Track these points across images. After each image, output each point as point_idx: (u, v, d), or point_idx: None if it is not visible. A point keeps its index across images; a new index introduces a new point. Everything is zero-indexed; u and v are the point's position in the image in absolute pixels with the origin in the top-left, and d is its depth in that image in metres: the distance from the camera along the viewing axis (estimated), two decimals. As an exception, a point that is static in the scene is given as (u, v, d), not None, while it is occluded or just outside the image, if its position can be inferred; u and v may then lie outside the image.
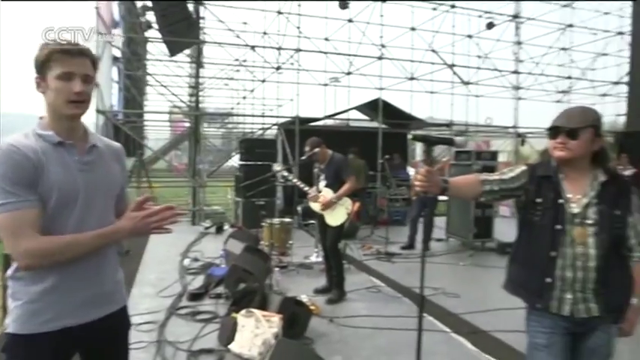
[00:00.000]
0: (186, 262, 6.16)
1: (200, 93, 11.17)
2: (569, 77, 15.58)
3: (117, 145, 1.76)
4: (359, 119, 13.16)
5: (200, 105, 11.00)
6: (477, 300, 4.66)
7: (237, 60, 13.62)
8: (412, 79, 13.67)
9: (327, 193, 4.85)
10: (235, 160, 12.16)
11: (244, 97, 17.79)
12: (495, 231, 7.45)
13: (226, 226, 8.61)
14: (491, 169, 7.53)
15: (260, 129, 12.40)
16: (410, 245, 7.26)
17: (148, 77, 15.38)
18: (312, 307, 4.17)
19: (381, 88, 12.39)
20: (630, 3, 13.45)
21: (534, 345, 1.91)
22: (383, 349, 3.59)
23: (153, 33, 13.36)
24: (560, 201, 1.83)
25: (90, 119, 8.72)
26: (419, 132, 2.13)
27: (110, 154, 1.68)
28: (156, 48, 15.54)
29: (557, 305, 1.82)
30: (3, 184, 1.36)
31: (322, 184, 4.95)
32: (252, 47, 12.28)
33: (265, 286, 4.31)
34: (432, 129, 12.95)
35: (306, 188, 5.09)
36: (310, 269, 5.94)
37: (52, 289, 1.46)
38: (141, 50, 15.25)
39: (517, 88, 14.51)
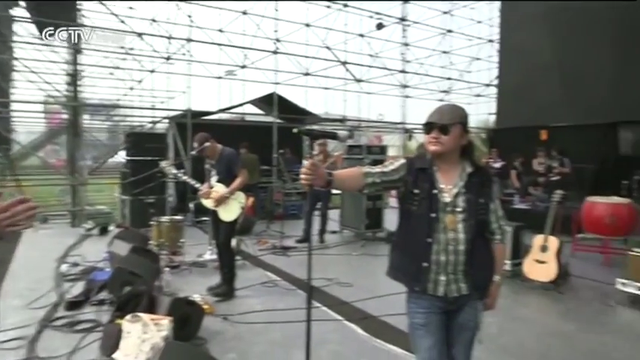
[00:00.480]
0: (64, 267, 5.58)
1: (80, 82, 10.17)
2: (449, 78, 17.02)
3: None
4: (254, 113, 13.06)
5: (80, 95, 10.02)
6: (369, 288, 4.87)
7: (123, 48, 12.67)
8: (307, 74, 13.90)
9: (220, 189, 4.73)
10: (122, 156, 11.32)
11: (131, 88, 16.63)
12: (385, 221, 7.87)
13: (111, 227, 7.97)
14: (380, 163, 7.96)
15: (150, 122, 11.70)
16: (305, 239, 7.38)
17: (15, 62, 13.62)
18: (205, 307, 4.04)
19: (277, 83, 12.40)
20: (498, 14, 15.04)
21: (414, 325, 2.05)
22: (278, 343, 3.60)
23: (20, 12, 11.88)
24: (435, 191, 1.97)
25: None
26: (304, 127, 2.16)
27: None
28: (25, 29, 13.83)
29: (433, 287, 1.97)
30: None
31: (214, 179, 4.80)
32: (140, 34, 11.53)
33: (154, 288, 4.07)
34: (325, 124, 13.29)
35: (197, 184, 4.91)
36: (204, 267, 5.75)
37: None
38: (5, 30, 13.44)
39: (404, 86, 15.50)
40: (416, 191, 1.98)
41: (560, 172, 9.39)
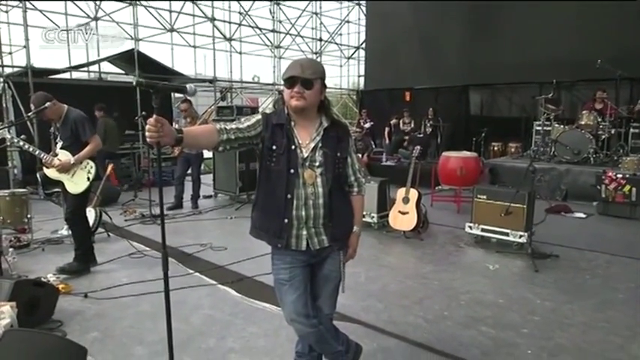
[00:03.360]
0: None
1: None
2: (321, 39, 17.20)
3: None
4: (114, 73, 11.82)
5: None
6: (243, 250, 4.82)
7: None
8: (172, 30, 12.91)
9: (64, 156, 4.17)
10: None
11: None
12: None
13: None
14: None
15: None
16: (178, 205, 7.05)
17: None
18: (60, 286, 3.64)
19: (137, 39, 11.25)
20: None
21: (279, 280, 2.06)
22: (147, 314, 3.40)
23: None
24: (293, 147, 1.94)
25: None
26: (144, 80, 1.92)
27: None
28: None
29: (296, 242, 1.98)
30: None
31: (59, 145, 4.24)
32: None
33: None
34: (195, 85, 12.61)
35: (38, 152, 4.28)
36: (60, 244, 5.17)
37: None
38: None
39: (277, 47, 15.30)
40: (274, 147, 1.94)
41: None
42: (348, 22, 18.25)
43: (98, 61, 10.25)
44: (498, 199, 4.96)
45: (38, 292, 3.24)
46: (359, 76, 18.09)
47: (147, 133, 1.71)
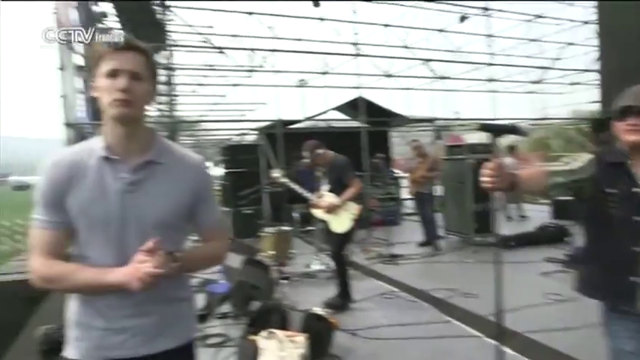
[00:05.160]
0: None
1: (174, 100, 10.65)
2: (542, 67, 15.81)
3: (194, 159, 1.43)
4: (337, 119, 12.92)
5: (176, 113, 10.49)
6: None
7: (206, 64, 13.12)
8: (389, 76, 13.56)
9: (330, 198, 4.56)
10: (216, 169, 11.67)
11: (216, 104, 17.19)
12: (496, 224, 7.31)
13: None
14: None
15: (238, 135, 11.97)
16: (429, 241, 7.00)
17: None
18: (331, 321, 3.86)
19: (358, 87, 12.14)
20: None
21: (620, 352, 1.71)
22: (418, 361, 3.32)
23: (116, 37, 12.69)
24: (636, 190, 1.63)
25: (59, 135, 8.12)
26: (485, 123, 1.93)
27: (179, 171, 1.36)
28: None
29: None
30: (38, 197, 1.29)
31: (324, 188, 4.65)
32: (221, 50, 11.87)
33: (281, 303, 3.93)
34: (414, 125, 12.87)
35: (307, 194, 4.77)
36: (314, 278, 5.62)
37: (77, 314, 1.32)
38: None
39: (492, 80, 14.64)
40: (611, 191, 1.65)
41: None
42: (571, 44, 16.42)
43: (329, 110, 11.32)
44: None
45: (320, 326, 3.47)
46: (589, 103, 15.89)
47: (484, 179, 1.64)
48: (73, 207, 1.26)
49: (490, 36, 14.51)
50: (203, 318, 4.30)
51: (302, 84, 14.06)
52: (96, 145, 1.30)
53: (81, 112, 9.69)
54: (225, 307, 4.44)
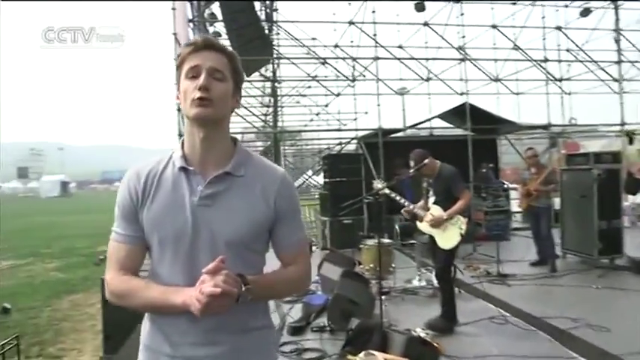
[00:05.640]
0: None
1: (279, 111, 11.03)
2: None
3: (277, 171, 1.31)
4: (440, 127, 12.35)
5: (279, 123, 10.84)
6: (633, 334, 3.80)
7: (309, 75, 13.39)
8: (497, 80, 12.69)
9: (436, 211, 4.28)
10: (315, 178, 11.85)
11: (318, 114, 17.51)
12: (626, 245, 6.38)
13: (314, 248, 8.19)
14: (614, 174, 6.51)
15: (338, 144, 12.00)
16: (543, 261, 6.36)
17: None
18: (437, 346, 3.59)
19: (462, 93, 11.48)
20: None
21: None
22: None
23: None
24: None
25: (173, 144, 8.77)
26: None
27: (259, 185, 1.25)
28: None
29: None
30: (116, 209, 1.27)
31: (431, 200, 4.39)
32: (324, 62, 12.03)
33: (382, 322, 3.73)
34: (524, 132, 11.89)
35: (412, 206, 4.55)
36: (415, 295, 5.34)
37: (147, 337, 1.27)
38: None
39: (620, 80, 12.99)
40: None
41: None
42: None
43: (433, 118, 10.90)
44: None
45: (424, 351, 3.25)
46: None
47: None
48: (147, 220, 1.21)
49: (616, 30, 12.91)
50: (299, 330, 4.28)
51: (403, 92, 13.74)
52: (175, 154, 1.25)
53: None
54: (322, 320, 4.37)
